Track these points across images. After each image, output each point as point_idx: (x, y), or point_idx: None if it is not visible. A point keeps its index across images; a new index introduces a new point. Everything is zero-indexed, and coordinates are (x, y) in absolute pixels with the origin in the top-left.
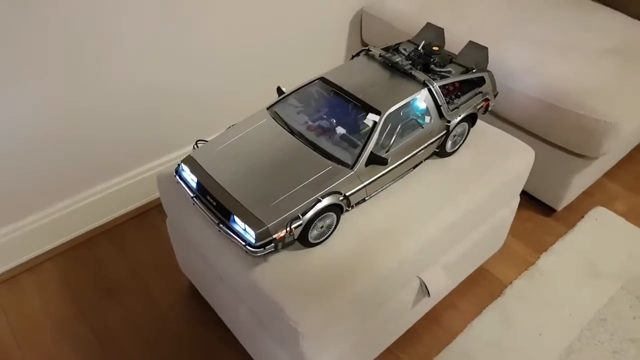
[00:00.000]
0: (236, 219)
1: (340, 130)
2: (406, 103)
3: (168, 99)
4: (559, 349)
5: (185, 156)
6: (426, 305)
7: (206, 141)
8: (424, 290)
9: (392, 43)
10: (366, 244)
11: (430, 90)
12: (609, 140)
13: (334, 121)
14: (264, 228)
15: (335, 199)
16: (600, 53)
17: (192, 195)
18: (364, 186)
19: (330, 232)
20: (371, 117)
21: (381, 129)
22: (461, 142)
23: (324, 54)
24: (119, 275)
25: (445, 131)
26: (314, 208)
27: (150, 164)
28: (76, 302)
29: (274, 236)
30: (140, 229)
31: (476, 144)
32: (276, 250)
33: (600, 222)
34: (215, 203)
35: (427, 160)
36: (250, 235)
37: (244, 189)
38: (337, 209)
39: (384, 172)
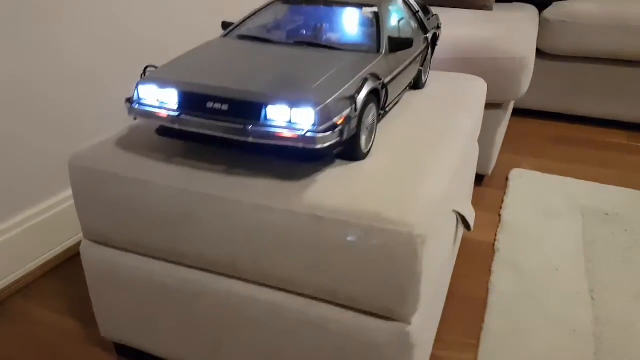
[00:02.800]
0: (271, 110)
1: (333, 34)
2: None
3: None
4: (580, 276)
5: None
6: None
7: (156, 67)
8: (462, 223)
9: None
10: (409, 154)
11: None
12: (525, 75)
13: (323, 25)
14: (323, 105)
15: (376, 82)
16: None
17: (177, 114)
18: (394, 76)
19: (373, 137)
20: (369, 10)
21: (385, 16)
22: (428, 70)
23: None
24: None
25: (426, 44)
26: (364, 87)
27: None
28: None
29: (335, 120)
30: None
31: (436, 81)
32: (340, 143)
33: (525, 178)
34: (228, 106)
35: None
36: (306, 119)
37: (260, 82)
38: (376, 102)
39: (407, 61)
